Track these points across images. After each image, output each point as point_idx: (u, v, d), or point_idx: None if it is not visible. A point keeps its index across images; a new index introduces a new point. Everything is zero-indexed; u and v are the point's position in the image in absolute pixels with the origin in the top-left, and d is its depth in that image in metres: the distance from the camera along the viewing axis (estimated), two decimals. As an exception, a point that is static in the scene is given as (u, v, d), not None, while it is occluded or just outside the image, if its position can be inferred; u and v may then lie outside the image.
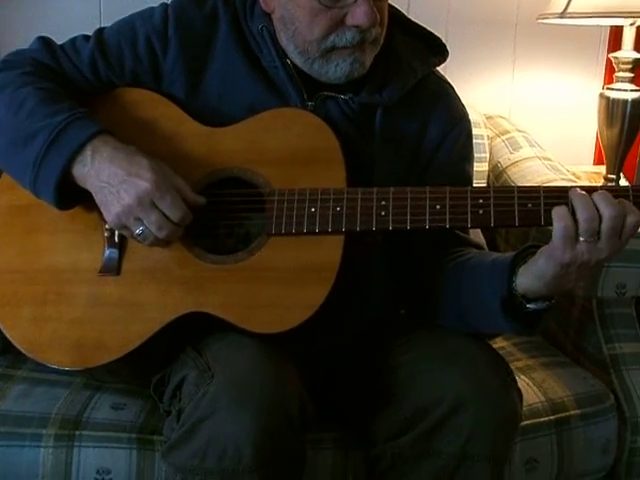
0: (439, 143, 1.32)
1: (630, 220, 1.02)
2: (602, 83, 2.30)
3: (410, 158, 1.31)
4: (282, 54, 1.26)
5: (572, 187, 1.08)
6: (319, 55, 1.21)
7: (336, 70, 1.22)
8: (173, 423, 1.16)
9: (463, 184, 1.23)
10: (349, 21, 1.18)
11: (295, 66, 1.26)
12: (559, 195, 1.08)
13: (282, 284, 1.16)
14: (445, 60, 1.35)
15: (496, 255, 1.20)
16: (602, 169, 2.23)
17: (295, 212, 1.17)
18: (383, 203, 1.14)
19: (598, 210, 1.02)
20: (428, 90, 1.33)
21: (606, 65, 2.30)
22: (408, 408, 1.16)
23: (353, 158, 1.21)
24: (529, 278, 1.09)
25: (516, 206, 1.09)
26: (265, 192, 1.20)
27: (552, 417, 1.40)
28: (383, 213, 1.14)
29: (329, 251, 1.16)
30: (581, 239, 1.02)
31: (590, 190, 1.06)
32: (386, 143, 1.28)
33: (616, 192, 1.06)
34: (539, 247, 1.09)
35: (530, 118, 2.25)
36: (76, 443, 1.27)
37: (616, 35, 2.19)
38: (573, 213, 1.03)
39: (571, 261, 1.03)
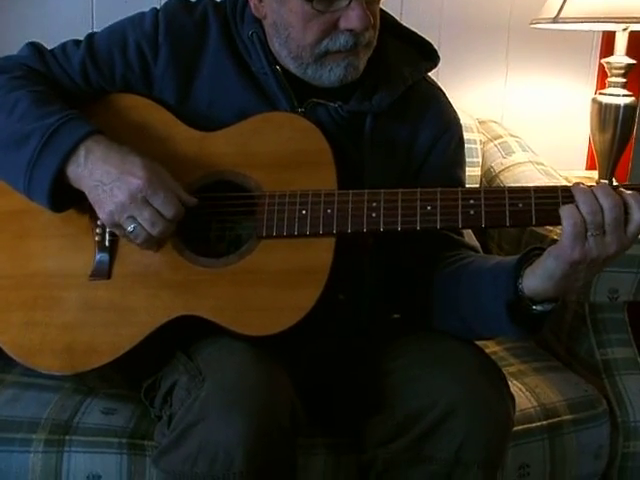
0: (430, 148, 1.32)
1: (635, 213, 1.02)
2: (594, 88, 2.31)
3: (401, 164, 1.31)
4: (272, 60, 1.26)
5: (563, 186, 1.08)
6: (313, 60, 1.21)
7: (330, 75, 1.22)
8: (164, 428, 1.16)
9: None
10: (342, 25, 1.17)
11: (286, 72, 1.25)
12: (550, 195, 1.08)
13: (273, 287, 1.16)
14: (436, 66, 1.35)
15: (498, 258, 1.19)
16: (594, 174, 2.23)
17: (286, 215, 1.17)
18: (374, 204, 1.14)
19: (598, 201, 1.02)
20: (418, 96, 1.33)
21: (598, 70, 2.31)
22: (400, 413, 1.16)
23: (343, 164, 1.21)
24: (537, 279, 1.07)
25: (507, 206, 1.09)
26: (256, 195, 1.20)
27: (544, 422, 1.39)
28: (374, 214, 1.14)
29: (320, 253, 1.16)
30: (589, 234, 1.02)
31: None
32: (376, 149, 1.28)
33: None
34: (543, 249, 1.08)
35: (522, 123, 2.26)
36: (66, 448, 1.26)
37: (608, 40, 2.20)
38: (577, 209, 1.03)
39: (581, 258, 1.02)
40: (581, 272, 1.05)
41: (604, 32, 2.22)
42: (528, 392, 1.44)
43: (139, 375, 1.30)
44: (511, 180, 1.88)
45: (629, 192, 1.04)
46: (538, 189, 1.09)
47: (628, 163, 2.30)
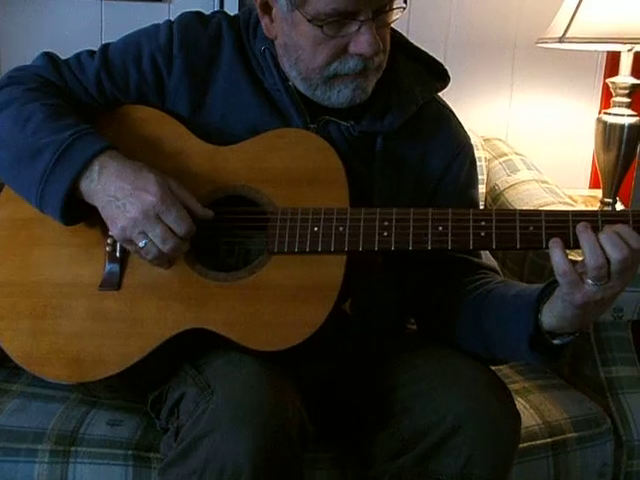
0: (443, 173, 1.32)
1: (636, 248, 1.02)
2: (599, 108, 2.33)
3: (412, 185, 1.31)
4: (284, 77, 1.27)
5: (575, 211, 1.08)
6: (322, 82, 1.22)
7: (338, 96, 1.22)
8: (171, 440, 1.16)
9: None
10: (352, 49, 1.18)
11: (297, 89, 1.26)
12: (560, 219, 1.08)
13: (283, 302, 1.16)
14: (446, 86, 1.36)
15: (519, 288, 1.19)
16: (598, 193, 2.25)
17: (298, 231, 1.17)
18: (386, 224, 1.15)
19: (605, 253, 1.01)
20: (429, 116, 1.33)
21: (602, 90, 2.32)
22: (407, 429, 1.16)
23: (353, 183, 1.21)
24: (552, 319, 1.09)
25: (518, 229, 1.10)
26: (268, 211, 1.20)
27: (549, 440, 1.40)
28: (385, 234, 1.15)
29: (331, 270, 1.16)
30: (590, 282, 1.02)
31: (590, 220, 1.06)
32: (387, 169, 1.29)
33: (615, 217, 1.07)
34: None
35: (527, 141, 2.27)
36: (71, 459, 1.26)
37: (613, 61, 2.22)
38: (575, 246, 1.04)
39: (584, 302, 1.03)
40: (591, 311, 1.06)
41: (609, 52, 2.24)
42: (532, 409, 1.44)
43: (146, 386, 1.30)
44: (515, 198, 1.88)
45: (628, 230, 1.03)
46: (549, 213, 1.10)
47: (631, 182, 2.31)
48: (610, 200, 2.05)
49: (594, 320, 1.09)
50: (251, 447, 1.03)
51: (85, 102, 1.30)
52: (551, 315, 1.09)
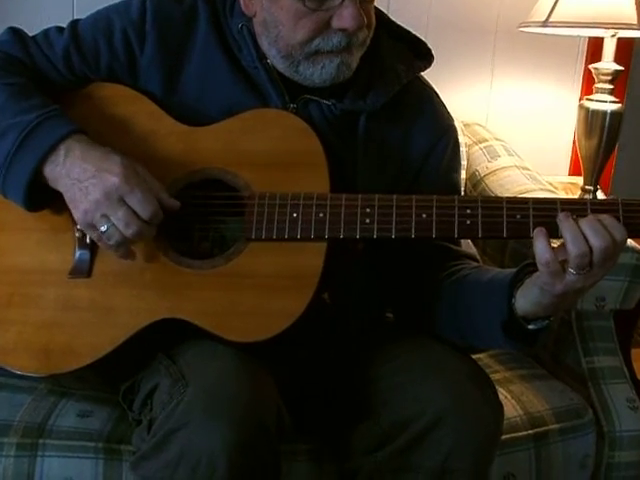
0: (426, 155, 1.29)
1: (619, 239, 1.00)
2: (579, 94, 2.30)
3: (395, 167, 1.28)
4: (262, 55, 1.23)
5: (563, 199, 1.06)
6: (303, 58, 1.17)
7: (322, 73, 1.18)
8: (143, 433, 1.12)
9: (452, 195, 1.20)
10: (335, 24, 1.14)
11: (277, 69, 1.22)
12: (548, 207, 1.06)
13: (261, 291, 1.12)
14: (430, 65, 1.32)
15: (492, 273, 1.17)
16: (578, 180, 2.23)
17: (276, 217, 1.13)
18: (368, 210, 1.11)
19: (587, 241, 0.99)
20: (412, 96, 1.30)
21: (583, 76, 2.30)
22: (386, 421, 1.14)
23: (335, 165, 1.18)
24: (526, 304, 1.07)
25: (504, 217, 1.07)
26: (245, 195, 1.16)
27: (531, 431, 1.38)
28: (368, 221, 1.11)
29: (311, 258, 1.12)
30: (572, 271, 1.00)
31: (579, 208, 1.04)
32: (369, 150, 1.25)
33: (605, 206, 1.05)
34: (535, 265, 1.06)
35: (506, 126, 2.24)
36: (39, 452, 1.22)
37: (594, 46, 2.20)
38: (560, 236, 1.02)
39: (564, 291, 1.01)
40: (569, 299, 1.05)
41: (590, 38, 2.22)
42: (514, 400, 1.42)
43: (118, 377, 1.26)
44: (496, 184, 1.86)
45: (612, 221, 1.01)
46: (537, 201, 1.08)
47: (611, 169, 2.30)
48: (591, 187, 2.02)
49: (569, 307, 1.07)
50: (227, 440, 1.00)
51: (53, 80, 1.25)
52: (525, 301, 1.07)
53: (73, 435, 1.24)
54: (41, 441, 1.23)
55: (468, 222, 1.08)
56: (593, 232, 0.99)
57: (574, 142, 2.31)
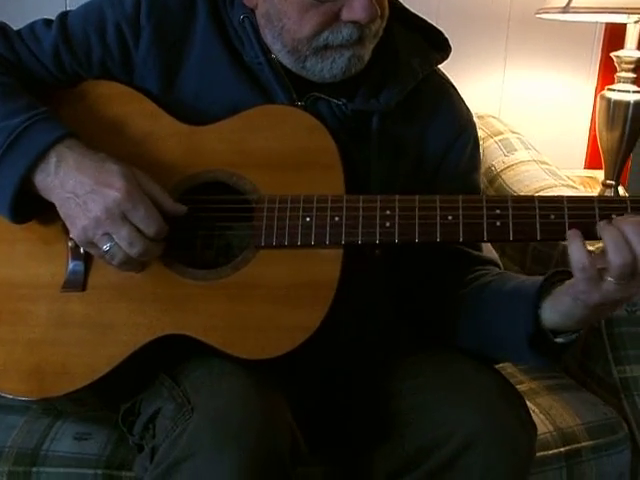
0: (444, 153, 1.21)
1: None
2: (596, 83, 2.22)
3: (411, 168, 1.20)
4: (266, 49, 1.14)
5: (600, 197, 0.98)
6: (311, 53, 1.09)
7: (332, 67, 1.09)
8: (146, 462, 1.03)
9: None
10: (345, 16, 1.05)
11: (282, 64, 1.13)
12: (585, 206, 0.97)
13: (273, 304, 1.03)
14: (447, 57, 1.23)
15: (516, 281, 1.08)
16: (595, 173, 2.16)
17: (287, 222, 1.04)
18: (388, 213, 1.02)
19: (632, 249, 0.90)
20: (429, 91, 1.21)
21: (600, 64, 2.22)
22: (411, 444, 1.05)
23: (348, 167, 1.09)
24: (556, 316, 0.98)
25: (537, 218, 0.98)
26: (253, 199, 1.07)
27: (562, 449, 1.28)
28: (388, 224, 1.02)
29: (326, 266, 1.03)
30: (611, 280, 0.91)
31: (618, 207, 0.96)
32: (384, 150, 1.16)
33: None
34: (564, 273, 0.99)
35: (520, 118, 2.15)
36: (33, 482, 1.13)
37: (612, 33, 2.12)
38: (598, 238, 0.94)
39: (601, 302, 0.92)
40: (604, 311, 0.97)
41: (607, 24, 2.13)
42: (542, 414, 1.32)
43: (117, 397, 1.17)
44: (514, 180, 1.77)
45: None
46: (572, 199, 0.99)
47: (628, 162, 2.21)
48: (612, 182, 1.93)
49: (600, 320, 0.98)
50: (237, 472, 0.92)
51: (41, 78, 1.16)
52: (554, 312, 0.98)
53: (70, 462, 1.16)
54: (35, 469, 1.14)
55: (498, 224, 0.99)
56: (637, 236, 0.90)
57: (590, 134, 2.23)
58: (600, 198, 0.98)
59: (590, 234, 0.96)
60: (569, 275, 0.96)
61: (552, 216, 0.98)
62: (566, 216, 0.97)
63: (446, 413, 1.03)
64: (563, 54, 2.19)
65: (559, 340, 1.00)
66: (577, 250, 0.92)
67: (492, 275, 1.14)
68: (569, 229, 0.96)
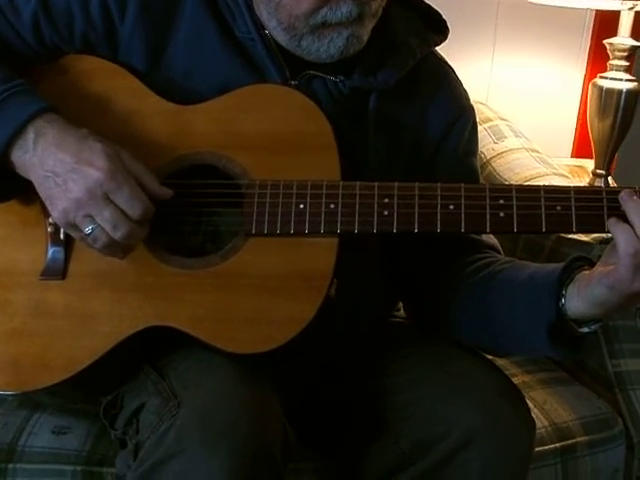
0: (442, 136, 1.17)
1: None
2: (584, 71, 2.18)
3: (408, 151, 1.16)
4: (259, 24, 1.09)
5: (609, 188, 0.94)
6: (308, 31, 1.04)
7: (329, 47, 1.04)
8: (129, 458, 1.00)
9: (471, 181, 1.10)
10: None
11: (276, 41, 1.08)
12: (593, 197, 0.94)
13: (264, 294, 0.99)
14: (446, 39, 1.20)
15: (531, 269, 1.04)
16: (583, 162, 2.13)
17: (280, 209, 1.00)
18: (386, 201, 0.98)
19: None
20: (427, 72, 1.18)
21: (590, 51, 2.18)
22: (407, 441, 1.02)
23: (344, 150, 1.04)
24: (584, 305, 0.93)
25: (543, 208, 0.95)
26: (243, 184, 1.02)
27: (557, 445, 1.25)
28: (386, 213, 0.98)
29: (320, 256, 0.99)
30: None
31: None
32: (381, 132, 1.13)
33: None
34: (585, 260, 0.96)
35: (507, 104, 2.11)
36: (9, 479, 1.08)
37: (602, 20, 2.08)
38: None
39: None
40: (636, 300, 0.92)
41: (598, 11, 2.09)
42: (537, 409, 1.29)
43: (98, 391, 1.12)
44: (505, 168, 1.73)
45: None
46: (579, 190, 0.96)
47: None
48: (603, 172, 1.90)
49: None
50: (227, 471, 0.88)
51: (19, 52, 1.10)
52: (582, 301, 0.94)
53: (48, 457, 1.11)
54: (11, 466, 1.09)
55: (502, 214, 0.96)
56: None
57: (578, 122, 2.20)
58: (608, 189, 0.95)
59: (598, 227, 0.93)
60: (588, 262, 0.95)
61: (558, 207, 0.95)
62: (573, 207, 0.94)
63: (444, 409, 1.00)
64: (552, 40, 2.14)
65: (584, 330, 0.97)
66: (627, 235, 0.88)
67: (502, 263, 1.10)
68: (577, 221, 0.93)
